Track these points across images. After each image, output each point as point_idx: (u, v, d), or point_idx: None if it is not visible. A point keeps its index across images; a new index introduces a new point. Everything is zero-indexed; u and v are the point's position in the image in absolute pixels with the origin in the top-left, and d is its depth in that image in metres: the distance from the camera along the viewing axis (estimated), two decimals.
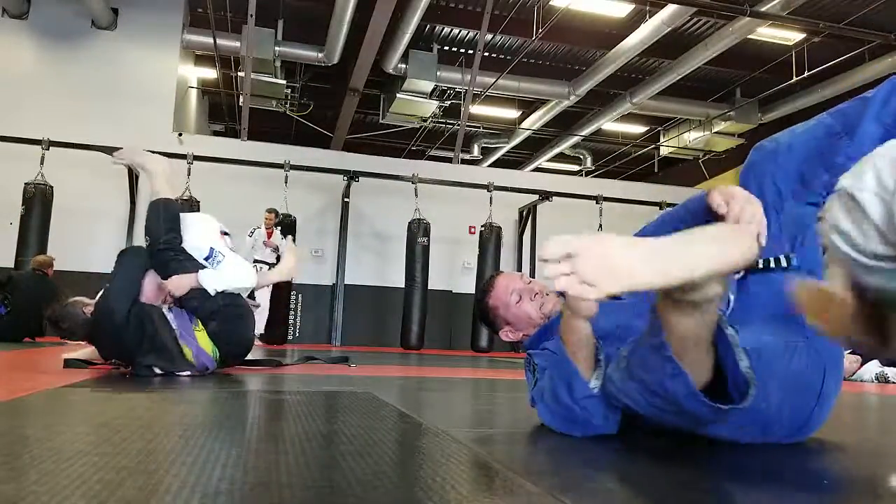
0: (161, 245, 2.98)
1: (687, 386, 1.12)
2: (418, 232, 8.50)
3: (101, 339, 2.86)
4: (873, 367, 4.50)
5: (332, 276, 9.31)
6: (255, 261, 7.87)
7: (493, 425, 1.91)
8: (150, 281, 2.93)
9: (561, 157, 14.66)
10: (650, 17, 8.62)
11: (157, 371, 2.74)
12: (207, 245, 3.06)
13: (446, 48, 10.74)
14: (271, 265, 7.80)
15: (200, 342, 2.91)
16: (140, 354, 2.75)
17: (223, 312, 3.02)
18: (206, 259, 3.02)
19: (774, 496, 1.11)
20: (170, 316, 2.87)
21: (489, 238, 8.79)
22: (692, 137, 12.67)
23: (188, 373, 2.82)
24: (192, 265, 2.99)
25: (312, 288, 9.40)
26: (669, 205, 9.83)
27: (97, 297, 2.89)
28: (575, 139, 13.11)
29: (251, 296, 3.37)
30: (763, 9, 7.94)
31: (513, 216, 10.22)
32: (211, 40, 9.25)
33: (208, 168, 8.46)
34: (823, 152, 1.40)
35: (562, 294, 1.46)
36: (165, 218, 3.02)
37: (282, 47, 9.66)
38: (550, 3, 9.10)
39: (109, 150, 8.06)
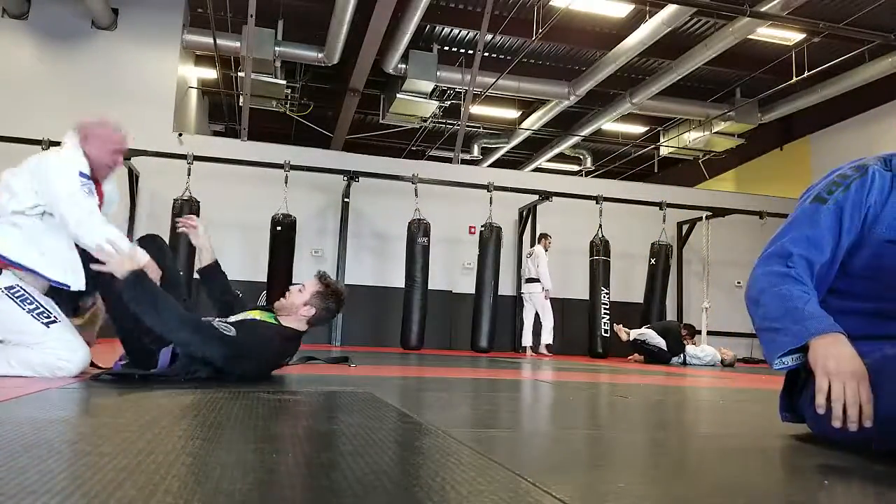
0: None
1: None
2: (418, 232, 8.49)
3: None
4: None
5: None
6: (529, 279, 8.97)
7: (493, 425, 1.91)
8: None
9: (561, 157, 14.66)
10: (650, 17, 8.62)
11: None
12: None
13: (446, 48, 10.74)
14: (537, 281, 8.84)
15: None
16: None
17: None
18: None
19: (774, 496, 1.11)
20: None
21: (489, 238, 8.79)
22: (692, 137, 12.67)
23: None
24: None
25: None
26: (670, 205, 9.84)
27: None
28: (575, 139, 13.11)
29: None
30: (763, 9, 7.94)
31: (513, 216, 10.22)
32: (211, 40, 9.25)
33: (208, 168, 8.46)
34: None
35: None
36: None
37: (282, 47, 9.65)
38: (550, 3, 9.10)
39: None
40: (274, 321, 2.78)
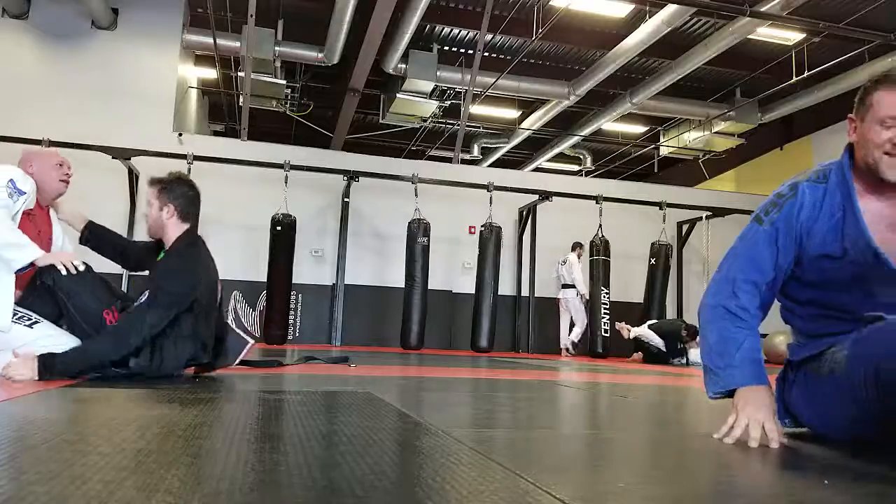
0: None
1: None
2: (418, 232, 8.49)
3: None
4: None
5: (332, 276, 9.30)
6: (565, 285, 9.56)
7: (493, 425, 1.91)
8: None
9: (561, 157, 14.66)
10: (650, 17, 8.62)
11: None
12: None
13: (446, 48, 10.74)
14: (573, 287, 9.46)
15: None
16: None
17: None
18: None
19: (774, 496, 1.11)
20: None
21: (489, 238, 8.79)
22: (692, 137, 12.67)
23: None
24: None
25: (312, 288, 9.40)
26: (670, 205, 9.84)
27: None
28: (575, 139, 13.11)
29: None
30: (763, 9, 7.94)
31: (513, 216, 10.22)
32: (211, 40, 9.25)
33: (208, 168, 8.45)
34: None
35: None
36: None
37: (282, 47, 9.65)
38: (550, 3, 9.11)
39: (109, 150, 8.14)
40: (163, 256, 2.80)
